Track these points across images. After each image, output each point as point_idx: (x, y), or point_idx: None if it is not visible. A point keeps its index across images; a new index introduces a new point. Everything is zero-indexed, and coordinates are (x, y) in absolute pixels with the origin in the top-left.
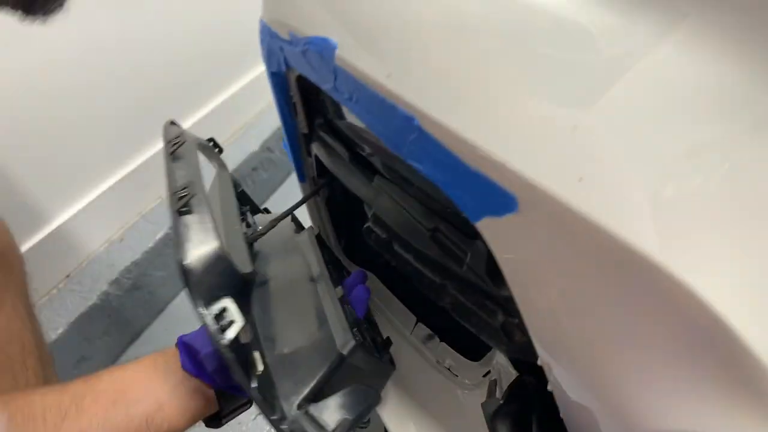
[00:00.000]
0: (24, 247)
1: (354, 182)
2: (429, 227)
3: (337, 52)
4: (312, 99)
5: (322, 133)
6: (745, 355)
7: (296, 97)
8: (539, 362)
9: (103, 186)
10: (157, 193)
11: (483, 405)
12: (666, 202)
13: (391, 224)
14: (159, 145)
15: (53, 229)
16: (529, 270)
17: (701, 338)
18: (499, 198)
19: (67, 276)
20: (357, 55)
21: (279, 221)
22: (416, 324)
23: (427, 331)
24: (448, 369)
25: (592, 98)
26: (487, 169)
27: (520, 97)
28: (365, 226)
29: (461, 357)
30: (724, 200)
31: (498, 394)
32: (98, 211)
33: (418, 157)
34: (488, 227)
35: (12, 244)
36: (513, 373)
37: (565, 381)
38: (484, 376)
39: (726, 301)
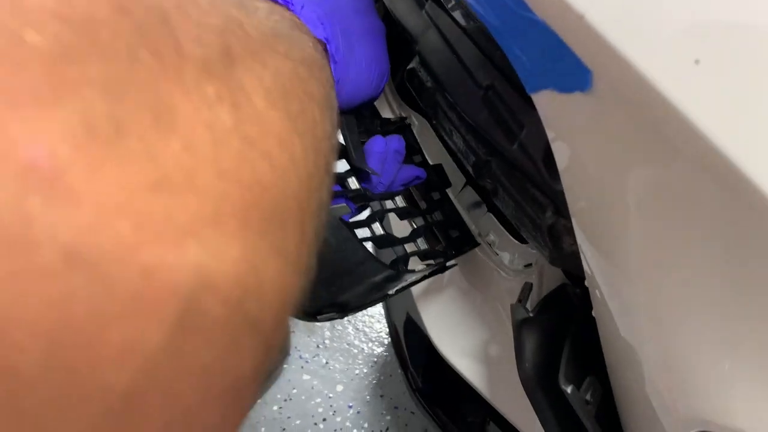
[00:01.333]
0: None
1: (400, 6)
2: (483, 84)
3: None
4: None
5: None
6: None
7: None
8: (586, 282)
9: None
10: None
11: (512, 308)
12: None
13: (437, 71)
14: None
15: None
16: (590, 167)
17: None
18: (569, 68)
19: None
20: None
21: None
22: (464, 186)
23: (476, 197)
24: (489, 245)
25: None
26: (558, 24)
27: None
28: (409, 66)
29: (506, 233)
30: None
31: (529, 303)
32: None
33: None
34: (546, 103)
35: None
36: (558, 279)
37: (615, 308)
38: (526, 266)
39: None
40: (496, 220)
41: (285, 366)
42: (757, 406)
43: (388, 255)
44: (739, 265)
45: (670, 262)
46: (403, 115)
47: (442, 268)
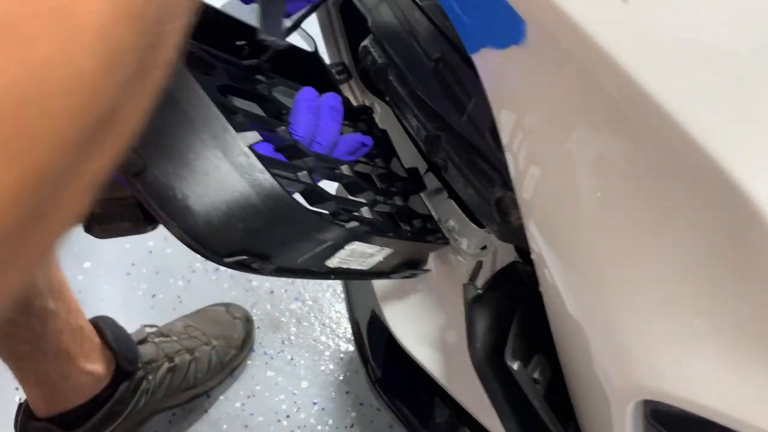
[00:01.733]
0: None
1: None
2: (433, 56)
3: None
4: None
5: None
6: None
7: None
8: (532, 255)
9: None
10: None
11: (464, 288)
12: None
13: (389, 46)
14: None
15: None
16: (530, 130)
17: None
18: (504, 20)
19: None
20: None
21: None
22: (426, 172)
23: (437, 183)
24: (449, 231)
25: None
26: None
27: None
28: (362, 44)
29: (466, 219)
30: None
31: (480, 280)
32: None
33: None
34: (485, 63)
35: None
36: (510, 258)
37: (561, 284)
38: (482, 249)
39: None
40: (456, 206)
41: (249, 362)
42: (682, 367)
43: None
44: (671, 233)
45: (610, 234)
46: (367, 103)
47: (409, 264)
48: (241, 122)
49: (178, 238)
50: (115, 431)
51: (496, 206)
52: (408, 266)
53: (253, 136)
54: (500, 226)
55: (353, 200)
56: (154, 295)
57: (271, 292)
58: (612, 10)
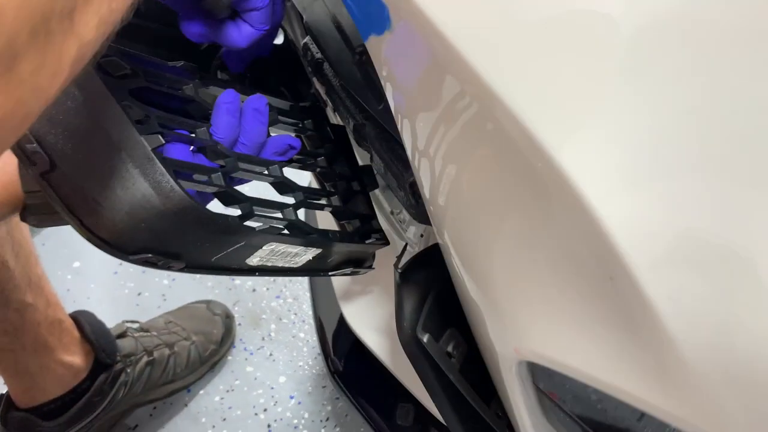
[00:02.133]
0: None
1: None
2: (357, 49)
3: None
4: None
5: None
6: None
7: None
8: (438, 241)
9: None
10: None
11: (394, 265)
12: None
13: (321, 41)
14: None
15: None
16: (409, 113)
17: (581, 254)
18: (376, 9)
19: None
20: None
21: None
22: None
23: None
24: (400, 222)
25: None
26: None
27: None
28: (302, 41)
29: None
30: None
31: (402, 262)
32: None
33: None
34: (373, 48)
35: None
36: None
37: (457, 266)
38: (422, 236)
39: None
40: None
41: (229, 358)
42: (545, 331)
43: None
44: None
45: (489, 231)
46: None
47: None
48: (151, 125)
49: (80, 234)
50: (94, 422)
51: (410, 189)
52: (350, 264)
53: (156, 140)
54: (415, 209)
55: (276, 202)
56: (139, 293)
57: (254, 290)
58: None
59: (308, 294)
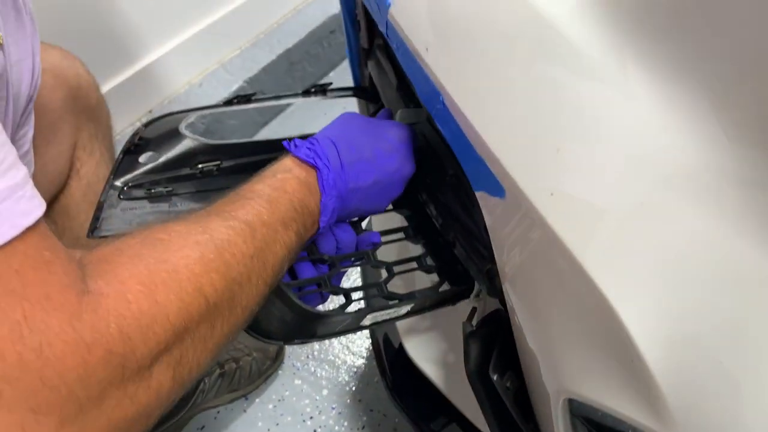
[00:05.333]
0: (110, 85)
1: (396, 109)
2: (450, 172)
3: (390, 9)
4: (374, 22)
5: (378, 54)
6: (630, 347)
7: (360, 15)
8: (507, 306)
9: (189, 32)
10: (238, 44)
11: (463, 325)
12: (610, 228)
13: (419, 157)
14: None
15: (139, 68)
16: (506, 240)
17: (600, 327)
18: (493, 184)
19: (150, 111)
20: (405, 20)
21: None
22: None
23: None
24: None
25: (576, 130)
26: (489, 160)
27: (523, 108)
28: None
29: None
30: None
31: (475, 320)
32: (181, 55)
33: (442, 124)
34: (482, 199)
35: (101, 100)
36: (494, 305)
37: (522, 326)
38: (475, 297)
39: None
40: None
41: (280, 372)
42: (585, 376)
43: None
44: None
45: (546, 312)
46: None
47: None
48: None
49: (256, 337)
50: (175, 423)
51: (486, 274)
52: (446, 303)
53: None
54: (488, 287)
55: (369, 284)
56: None
57: None
58: (545, 197)
59: None
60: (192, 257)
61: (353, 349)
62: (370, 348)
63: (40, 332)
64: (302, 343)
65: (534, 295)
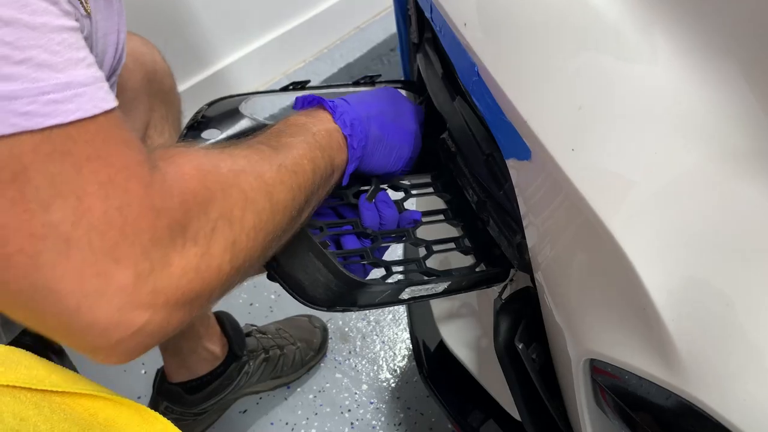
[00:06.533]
0: (182, 87)
1: (440, 97)
2: (486, 152)
3: None
4: (424, 14)
5: (427, 47)
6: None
7: (411, 10)
8: (536, 283)
9: (258, 43)
10: (302, 57)
11: (494, 301)
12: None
13: (459, 141)
14: (314, 11)
15: (210, 74)
16: (533, 205)
17: (623, 287)
18: (520, 146)
19: None
20: (446, 0)
21: None
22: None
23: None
24: None
25: (600, 94)
26: (516, 122)
27: (552, 75)
28: (441, 136)
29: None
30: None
31: (505, 295)
32: (250, 65)
33: (477, 96)
34: (513, 166)
35: (174, 86)
36: (524, 283)
37: (549, 300)
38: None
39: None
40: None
41: (321, 364)
42: (605, 334)
43: None
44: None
45: (569, 275)
46: None
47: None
48: (324, 232)
49: (298, 301)
50: (220, 402)
51: (517, 248)
52: (482, 284)
53: (326, 244)
54: (519, 261)
55: (409, 259)
56: (251, 304)
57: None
58: (566, 152)
59: (388, 319)
60: (241, 164)
61: (394, 349)
62: (410, 348)
63: (121, 194)
64: (344, 310)
65: (556, 257)
